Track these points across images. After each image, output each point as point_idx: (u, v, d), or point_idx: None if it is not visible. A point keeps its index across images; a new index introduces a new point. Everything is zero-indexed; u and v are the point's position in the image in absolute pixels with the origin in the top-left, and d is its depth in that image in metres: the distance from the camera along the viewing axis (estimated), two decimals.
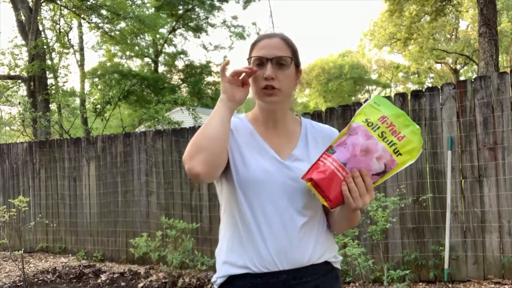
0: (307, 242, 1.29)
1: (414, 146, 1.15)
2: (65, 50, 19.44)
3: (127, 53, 24.02)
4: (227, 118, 1.26)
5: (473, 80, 4.15)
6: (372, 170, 1.13)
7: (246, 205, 1.27)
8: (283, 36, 1.35)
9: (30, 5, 14.52)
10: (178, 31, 27.12)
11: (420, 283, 4.19)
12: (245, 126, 1.37)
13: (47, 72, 15.23)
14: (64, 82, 17.20)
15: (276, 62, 1.30)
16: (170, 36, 26.38)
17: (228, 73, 1.28)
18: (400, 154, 1.14)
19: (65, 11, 18.74)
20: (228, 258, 1.30)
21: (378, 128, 1.15)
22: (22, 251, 5.00)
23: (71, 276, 5.31)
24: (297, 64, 1.37)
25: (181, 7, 25.23)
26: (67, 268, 5.65)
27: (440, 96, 4.23)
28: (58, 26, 20.19)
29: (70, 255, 6.55)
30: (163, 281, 4.71)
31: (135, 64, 28.01)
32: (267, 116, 1.37)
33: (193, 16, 25.91)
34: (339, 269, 1.41)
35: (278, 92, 1.30)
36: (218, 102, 1.27)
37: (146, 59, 27.02)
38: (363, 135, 1.14)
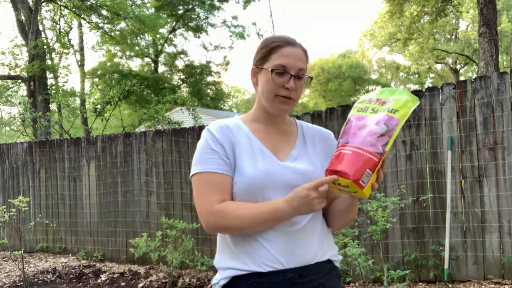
0: (312, 239, 1.30)
1: (406, 99, 1.20)
2: (65, 50, 19.44)
3: (127, 53, 24.04)
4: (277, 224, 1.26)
5: (473, 80, 4.15)
6: (376, 133, 1.15)
7: None
8: (303, 47, 1.37)
9: (30, 5, 14.52)
10: (178, 31, 27.15)
11: (420, 283, 4.19)
12: (241, 129, 1.37)
13: (47, 72, 15.23)
14: (64, 82, 17.13)
15: (298, 75, 1.32)
16: (170, 36, 26.40)
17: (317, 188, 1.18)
18: (396, 111, 1.18)
19: (65, 11, 18.75)
20: (232, 264, 1.29)
21: (368, 108, 1.23)
22: (22, 251, 5.00)
23: (71, 276, 5.31)
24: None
25: (181, 7, 25.24)
26: (67, 268, 5.66)
27: (440, 96, 4.23)
28: (58, 26, 20.19)
29: (70, 255, 6.54)
30: (163, 281, 4.71)
31: (135, 64, 28.08)
32: (268, 118, 1.39)
33: (193, 16, 25.93)
34: (339, 268, 1.42)
35: (292, 102, 1.34)
36: (284, 206, 1.21)
37: (146, 59, 27.05)
38: (356, 119, 1.22)
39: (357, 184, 1.11)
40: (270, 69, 1.32)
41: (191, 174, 1.34)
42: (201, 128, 5.59)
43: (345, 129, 1.22)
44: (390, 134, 1.15)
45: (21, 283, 5.12)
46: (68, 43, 21.28)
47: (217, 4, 25.16)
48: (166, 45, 26.72)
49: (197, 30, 26.38)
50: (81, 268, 5.54)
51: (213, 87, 28.60)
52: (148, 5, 22.69)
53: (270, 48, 1.34)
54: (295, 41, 1.36)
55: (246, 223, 1.23)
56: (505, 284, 3.86)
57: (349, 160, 1.12)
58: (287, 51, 1.32)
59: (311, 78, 1.39)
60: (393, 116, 1.16)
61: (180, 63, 28.06)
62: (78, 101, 21.79)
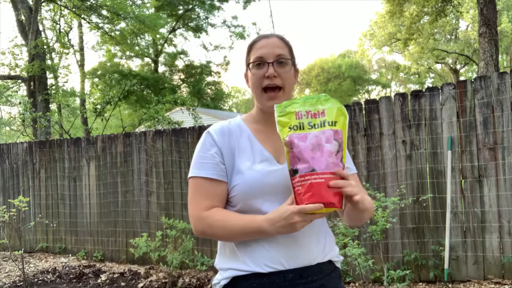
0: (313, 240, 1.30)
1: (337, 108, 1.20)
2: (65, 50, 19.42)
3: (127, 53, 24.03)
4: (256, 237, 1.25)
5: (473, 80, 4.15)
6: (333, 151, 1.16)
7: (251, 211, 1.27)
8: (279, 35, 1.39)
9: (30, 5, 14.51)
10: (178, 31, 27.15)
11: (420, 283, 4.19)
12: (242, 130, 1.37)
13: (47, 72, 15.22)
14: (64, 82, 17.16)
15: (277, 61, 1.32)
16: (170, 36, 26.40)
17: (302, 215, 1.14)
18: (335, 122, 1.18)
19: (65, 11, 18.74)
20: (233, 265, 1.29)
21: (303, 124, 1.17)
22: (22, 251, 5.00)
23: (71, 276, 5.31)
24: (294, 63, 1.39)
25: (181, 7, 25.24)
26: (67, 268, 5.66)
27: (440, 96, 4.23)
28: (58, 26, 20.18)
29: (70, 255, 6.55)
30: (163, 281, 4.71)
31: (135, 64, 28.07)
32: (267, 119, 1.38)
33: (193, 16, 25.93)
34: (340, 268, 1.42)
35: (281, 90, 1.33)
36: (266, 226, 1.19)
37: (146, 59, 27.05)
38: (300, 140, 1.15)
39: (340, 207, 1.14)
40: (248, 64, 1.36)
41: (188, 176, 1.36)
42: (201, 128, 5.59)
43: (295, 154, 1.15)
44: (341, 147, 1.17)
45: (21, 283, 5.12)
46: (68, 43, 21.28)
47: (217, 4, 25.17)
48: (166, 45, 26.73)
49: (197, 30, 26.38)
50: (81, 268, 5.54)
51: (213, 87, 28.61)
52: (148, 5, 22.69)
53: (248, 48, 1.39)
54: (270, 33, 1.39)
55: (229, 234, 1.25)
56: (505, 284, 3.86)
57: (326, 189, 1.12)
58: (261, 43, 1.35)
59: (294, 60, 1.38)
60: (336, 129, 1.17)
61: (180, 63, 28.10)
62: (78, 101, 21.79)
